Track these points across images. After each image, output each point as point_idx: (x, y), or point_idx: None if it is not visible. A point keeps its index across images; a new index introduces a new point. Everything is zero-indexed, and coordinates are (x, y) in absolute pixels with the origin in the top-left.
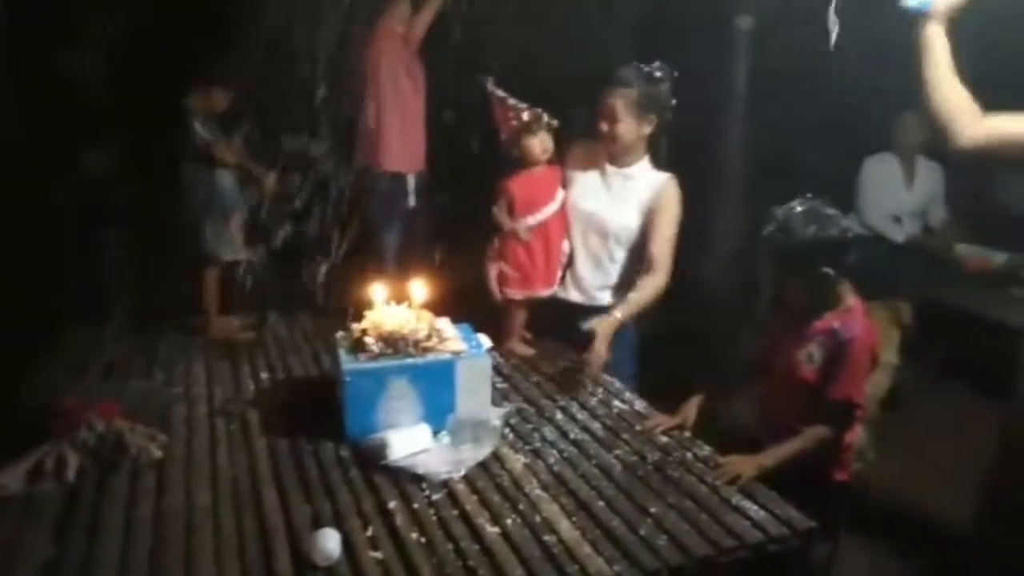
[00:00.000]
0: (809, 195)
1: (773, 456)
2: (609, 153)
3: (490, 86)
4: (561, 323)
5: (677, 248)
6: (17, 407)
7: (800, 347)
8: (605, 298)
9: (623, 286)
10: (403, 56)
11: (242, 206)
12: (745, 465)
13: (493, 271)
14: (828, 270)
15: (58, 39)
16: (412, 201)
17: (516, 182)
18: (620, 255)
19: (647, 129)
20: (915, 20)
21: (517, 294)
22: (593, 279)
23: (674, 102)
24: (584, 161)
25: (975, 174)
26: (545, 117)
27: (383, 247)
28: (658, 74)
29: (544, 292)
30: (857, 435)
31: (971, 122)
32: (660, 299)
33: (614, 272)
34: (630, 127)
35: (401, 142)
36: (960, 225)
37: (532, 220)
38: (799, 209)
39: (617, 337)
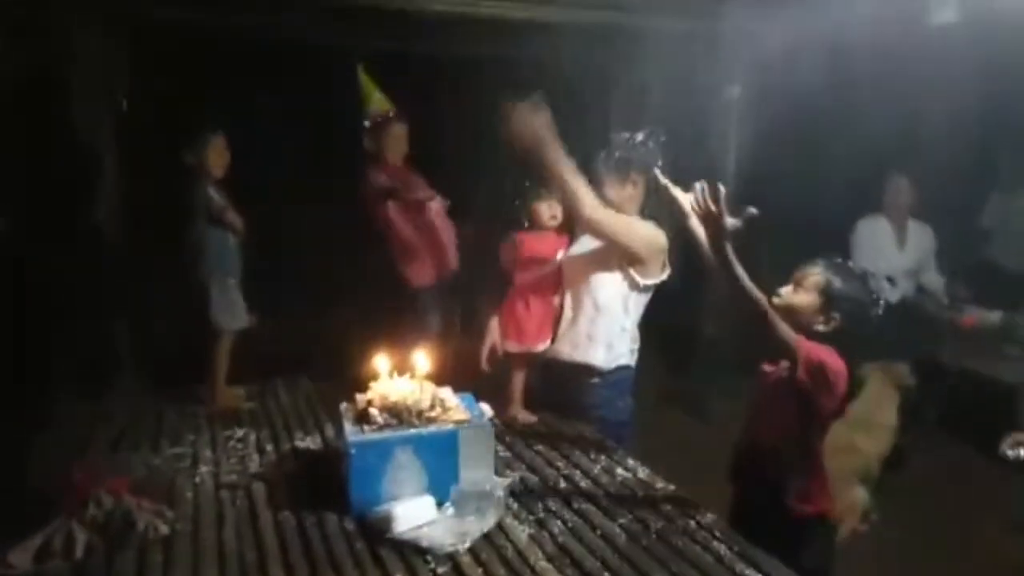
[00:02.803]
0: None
1: None
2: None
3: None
4: (556, 387)
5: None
6: (25, 481)
7: (776, 374)
8: (597, 356)
9: (612, 343)
10: (406, 198)
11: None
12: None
13: (494, 324)
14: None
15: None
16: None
17: (523, 238)
18: (604, 304)
19: (630, 189)
20: None
21: (515, 347)
22: (578, 330)
23: (659, 164)
24: None
25: (967, 235)
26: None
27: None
28: (639, 138)
29: (539, 346)
30: (857, 496)
31: None
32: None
33: (600, 324)
34: (613, 189)
35: (425, 262)
36: (953, 285)
37: (530, 275)
38: (850, 265)
39: (615, 378)
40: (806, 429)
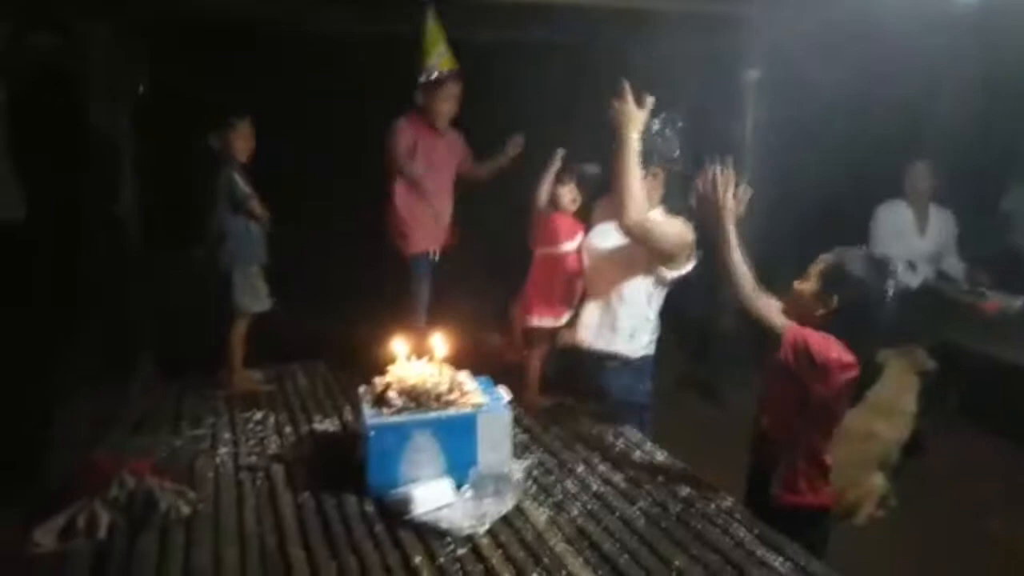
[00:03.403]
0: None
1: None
2: None
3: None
4: (577, 375)
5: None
6: (48, 462)
7: (785, 381)
8: (620, 345)
9: (634, 333)
10: (440, 146)
11: (263, 257)
12: None
13: (516, 305)
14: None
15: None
16: (434, 274)
17: (546, 217)
18: (628, 296)
19: (650, 181)
20: None
21: (539, 321)
22: (601, 320)
23: (678, 152)
24: (605, 212)
25: (989, 219)
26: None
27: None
28: (656, 126)
29: (562, 319)
30: (875, 482)
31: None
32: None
33: (623, 315)
34: None
35: (424, 227)
36: (974, 270)
37: (550, 250)
38: (862, 251)
39: (636, 366)
40: (796, 415)
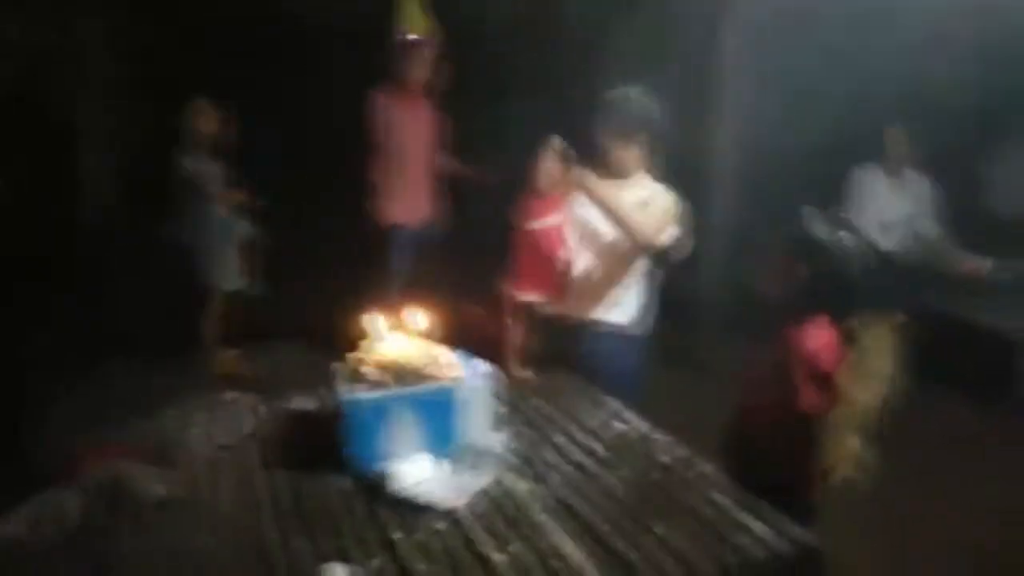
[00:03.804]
0: (829, 206)
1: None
2: (606, 173)
3: None
4: (562, 344)
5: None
6: (22, 448)
7: (764, 353)
8: (605, 314)
9: (620, 302)
10: (416, 117)
11: (240, 234)
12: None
13: (505, 279)
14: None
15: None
16: (414, 248)
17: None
18: (611, 266)
19: (635, 149)
20: None
21: (522, 294)
22: (593, 290)
23: (657, 115)
24: None
25: (963, 182)
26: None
27: (389, 281)
28: (633, 94)
29: (543, 295)
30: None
31: None
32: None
33: (605, 284)
34: (617, 151)
35: (403, 199)
36: (949, 233)
37: (536, 224)
38: (821, 213)
39: (622, 337)
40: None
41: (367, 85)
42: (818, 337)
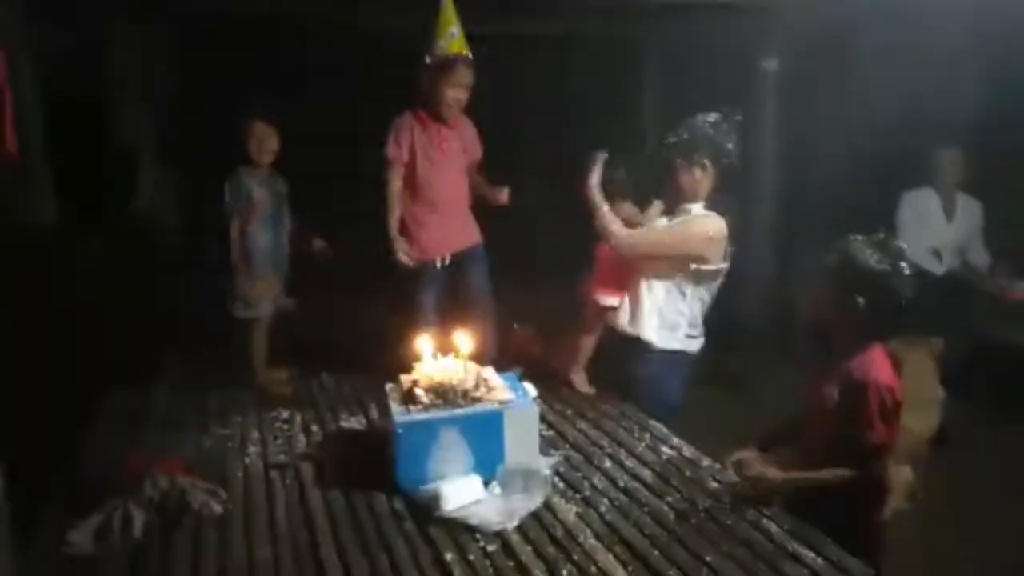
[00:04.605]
0: (880, 232)
1: (801, 478)
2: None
3: None
4: (612, 359)
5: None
6: (79, 463)
7: (825, 385)
8: (650, 332)
9: (665, 323)
10: (438, 139)
11: (280, 262)
12: (770, 469)
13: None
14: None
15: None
16: (440, 282)
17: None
18: (656, 285)
19: (698, 174)
20: None
21: (597, 297)
22: (633, 306)
23: (731, 145)
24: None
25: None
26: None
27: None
28: (710, 119)
29: (615, 300)
30: (903, 475)
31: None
32: None
33: (649, 303)
34: (682, 175)
35: (428, 232)
36: (997, 260)
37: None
38: (863, 239)
39: (668, 359)
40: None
41: (395, 107)
42: (885, 368)
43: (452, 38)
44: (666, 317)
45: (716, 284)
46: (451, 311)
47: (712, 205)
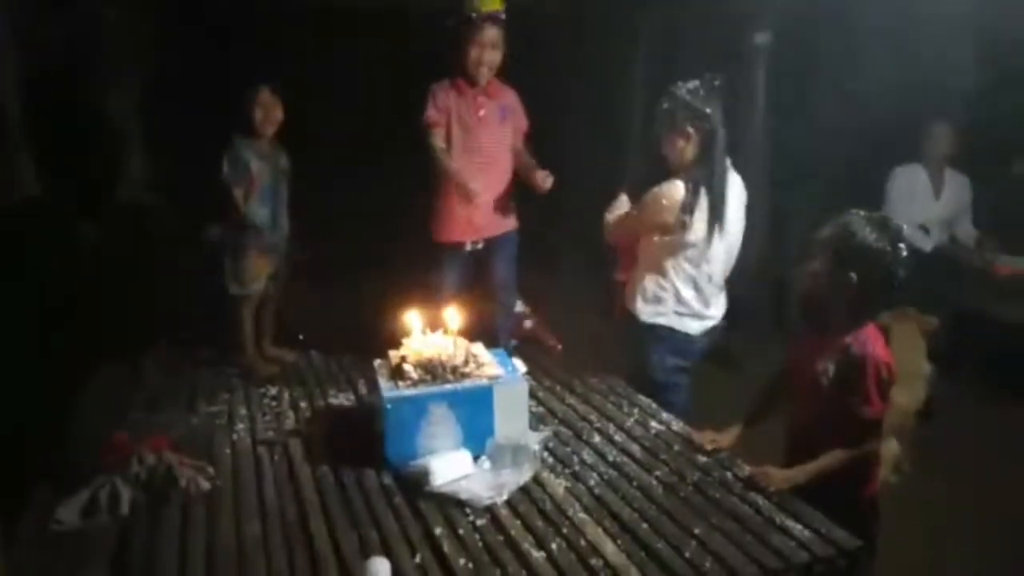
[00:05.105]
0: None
1: (804, 473)
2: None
3: None
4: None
5: None
6: (66, 440)
7: (819, 360)
8: (637, 306)
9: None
10: (473, 108)
11: (278, 240)
12: (777, 477)
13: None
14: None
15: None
16: (465, 267)
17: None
18: (642, 258)
19: (681, 143)
20: None
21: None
22: (634, 281)
23: (709, 110)
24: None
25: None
26: None
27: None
28: (690, 87)
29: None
30: (889, 448)
31: None
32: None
33: (638, 275)
34: (667, 145)
35: (456, 212)
36: (987, 234)
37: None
38: (863, 215)
39: (655, 335)
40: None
41: (425, 75)
42: (880, 344)
43: None
44: (648, 291)
45: (701, 259)
46: (469, 293)
47: (689, 176)
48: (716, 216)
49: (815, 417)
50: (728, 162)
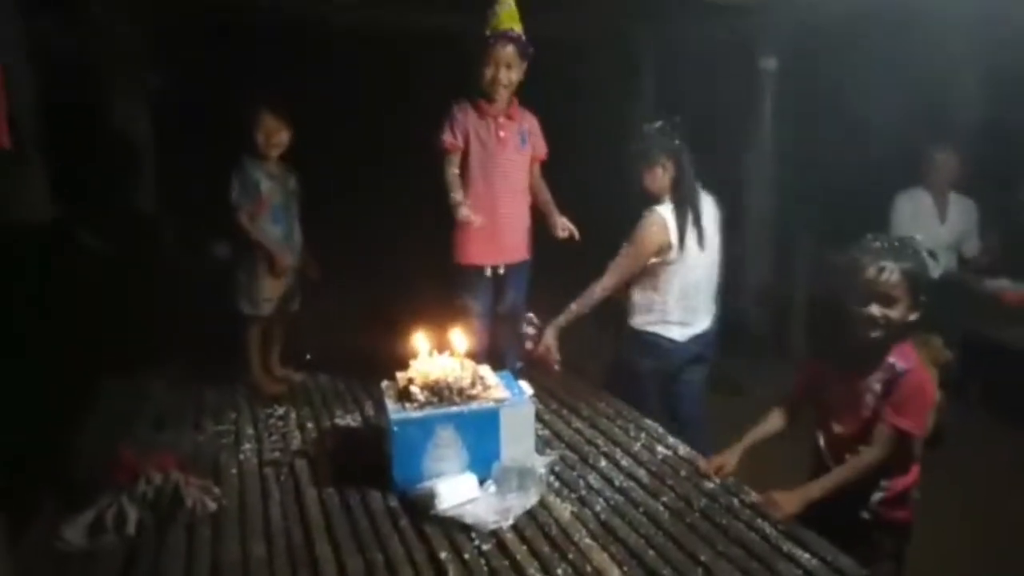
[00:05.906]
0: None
1: (819, 486)
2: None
3: None
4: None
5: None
6: (74, 458)
7: (864, 390)
8: (630, 314)
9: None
10: (491, 130)
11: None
12: (789, 501)
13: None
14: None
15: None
16: (489, 292)
17: None
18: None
19: (660, 173)
20: None
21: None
22: (630, 292)
23: (678, 142)
24: None
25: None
26: None
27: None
28: (656, 126)
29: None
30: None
31: None
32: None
33: (635, 292)
34: (647, 178)
35: (477, 236)
36: (994, 259)
37: None
38: (901, 241)
39: (641, 341)
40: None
41: (445, 96)
42: (920, 360)
43: (500, 14)
44: (643, 302)
45: (680, 273)
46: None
47: (671, 199)
48: (698, 229)
49: (856, 435)
50: (699, 184)
